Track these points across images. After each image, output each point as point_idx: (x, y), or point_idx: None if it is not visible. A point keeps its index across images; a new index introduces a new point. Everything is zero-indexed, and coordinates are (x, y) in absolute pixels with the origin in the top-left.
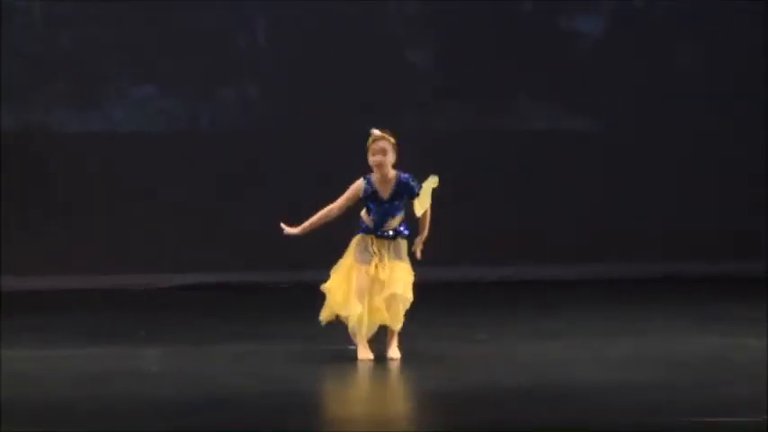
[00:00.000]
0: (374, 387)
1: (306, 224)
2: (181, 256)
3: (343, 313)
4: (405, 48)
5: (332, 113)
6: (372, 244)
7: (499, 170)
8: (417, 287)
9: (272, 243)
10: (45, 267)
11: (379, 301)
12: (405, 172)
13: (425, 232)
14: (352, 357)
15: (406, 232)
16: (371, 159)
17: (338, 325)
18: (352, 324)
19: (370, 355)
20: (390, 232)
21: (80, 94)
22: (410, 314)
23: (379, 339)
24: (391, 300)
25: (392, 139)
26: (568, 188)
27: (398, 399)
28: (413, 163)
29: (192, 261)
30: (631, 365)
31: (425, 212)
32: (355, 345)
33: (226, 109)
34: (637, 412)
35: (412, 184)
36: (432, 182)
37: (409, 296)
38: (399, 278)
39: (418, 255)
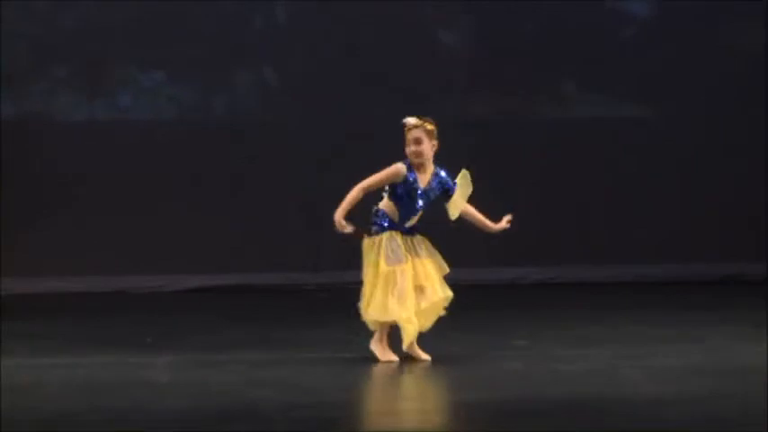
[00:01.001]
0: (406, 397)
1: (343, 209)
2: (192, 256)
3: (385, 319)
4: (438, 30)
5: (358, 100)
6: (400, 242)
7: (539, 160)
8: (453, 290)
9: (292, 242)
10: (45, 269)
11: (424, 306)
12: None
13: (486, 221)
14: (378, 364)
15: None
16: (407, 150)
17: (361, 330)
18: (404, 329)
19: (395, 357)
20: (412, 227)
21: (84, 79)
22: (444, 318)
23: (395, 339)
24: (435, 306)
25: (429, 126)
26: (610, 182)
27: (432, 410)
28: (448, 151)
29: (204, 261)
30: (678, 375)
31: (466, 210)
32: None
33: (241, 97)
34: (686, 426)
35: (450, 181)
36: (465, 181)
37: (449, 294)
38: (436, 278)
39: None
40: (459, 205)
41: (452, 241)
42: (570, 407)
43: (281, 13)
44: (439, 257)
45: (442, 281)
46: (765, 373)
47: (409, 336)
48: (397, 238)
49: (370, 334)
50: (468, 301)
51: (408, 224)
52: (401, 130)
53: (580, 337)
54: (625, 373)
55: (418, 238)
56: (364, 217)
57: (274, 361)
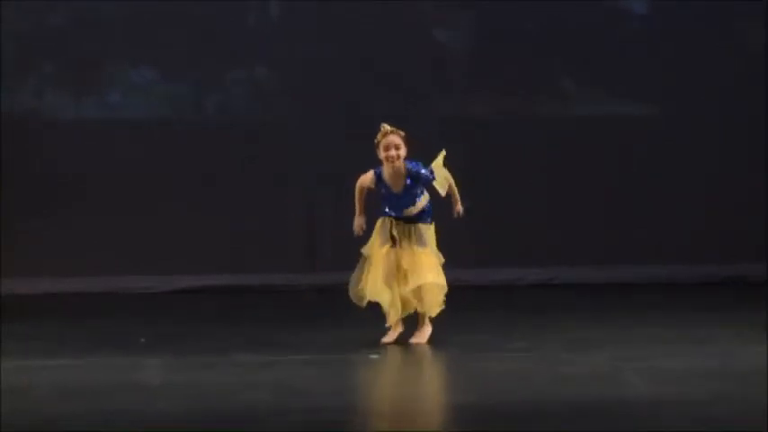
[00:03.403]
0: (402, 401)
1: (359, 209)
2: (186, 256)
3: (374, 299)
4: (438, 29)
5: (358, 100)
6: (392, 227)
7: (539, 160)
8: (449, 290)
9: (287, 242)
10: (37, 269)
11: (407, 292)
12: (413, 160)
13: (457, 199)
14: (375, 367)
15: (429, 219)
16: (384, 154)
17: (359, 332)
18: (384, 309)
19: (391, 339)
20: (411, 216)
21: (73, 77)
22: (441, 318)
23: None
24: (424, 290)
25: (402, 133)
26: (610, 182)
27: (430, 412)
28: (449, 151)
29: (198, 262)
30: (678, 376)
31: (449, 185)
32: (377, 353)
33: (235, 95)
34: (686, 428)
35: (424, 172)
36: (439, 161)
37: (441, 282)
38: (425, 264)
39: (457, 214)
40: (443, 184)
41: (451, 242)
42: (570, 408)
43: (281, 12)
44: (433, 247)
45: (433, 268)
46: (766, 374)
47: (391, 317)
48: (389, 223)
49: (366, 335)
50: (467, 302)
51: (405, 214)
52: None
53: (579, 339)
54: (625, 375)
55: (415, 227)
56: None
57: (269, 363)
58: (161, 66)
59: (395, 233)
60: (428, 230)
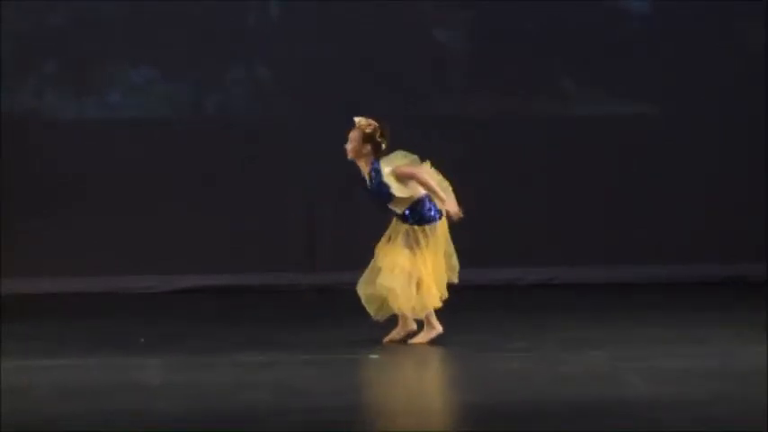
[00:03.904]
0: (403, 401)
1: None
2: (186, 256)
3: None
4: (438, 29)
5: (358, 100)
6: (392, 225)
7: (539, 160)
8: (449, 290)
9: (287, 242)
10: (37, 269)
11: (378, 288)
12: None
13: (440, 197)
14: (375, 367)
15: (422, 222)
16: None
17: (359, 332)
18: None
19: (390, 338)
20: (399, 213)
21: (73, 77)
22: (441, 318)
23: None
24: (384, 291)
25: (367, 130)
26: (610, 182)
27: (430, 412)
28: (449, 151)
29: (198, 262)
30: (678, 376)
31: (423, 182)
32: (378, 353)
33: (235, 95)
34: (686, 428)
35: (382, 173)
36: (394, 163)
37: (390, 284)
38: (388, 265)
39: (455, 217)
40: (400, 190)
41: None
42: (570, 408)
43: (281, 12)
44: (407, 249)
45: (395, 270)
46: (766, 374)
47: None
48: (394, 221)
49: (366, 335)
50: (467, 302)
51: (396, 211)
52: (400, 129)
53: (580, 339)
54: (625, 375)
55: (404, 227)
56: None
57: (269, 363)
58: (161, 66)
59: (390, 229)
60: (413, 232)
